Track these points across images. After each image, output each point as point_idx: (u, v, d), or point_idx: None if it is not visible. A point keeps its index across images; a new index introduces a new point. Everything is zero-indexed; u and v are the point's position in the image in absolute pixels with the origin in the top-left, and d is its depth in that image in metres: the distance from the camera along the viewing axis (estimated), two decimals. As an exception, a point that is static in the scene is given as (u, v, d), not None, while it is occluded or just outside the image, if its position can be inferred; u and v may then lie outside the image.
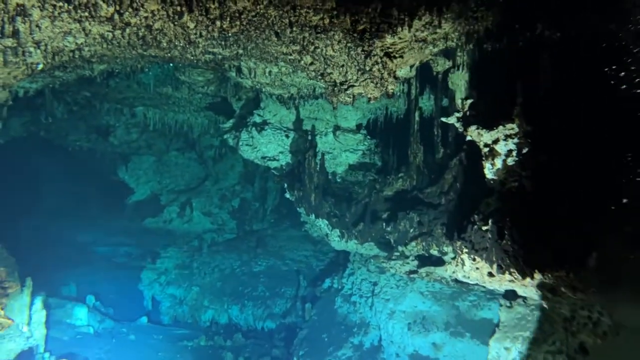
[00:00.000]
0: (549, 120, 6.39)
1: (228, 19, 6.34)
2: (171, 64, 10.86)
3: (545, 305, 6.46)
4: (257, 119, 11.78)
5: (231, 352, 12.27)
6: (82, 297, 13.14)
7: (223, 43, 7.26)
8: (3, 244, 10.11)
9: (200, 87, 11.49)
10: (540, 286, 5.84)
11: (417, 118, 9.80)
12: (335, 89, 7.94)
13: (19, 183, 14.83)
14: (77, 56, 7.26)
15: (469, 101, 7.92)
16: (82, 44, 6.83)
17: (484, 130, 7.29)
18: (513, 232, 6.18)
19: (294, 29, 6.60)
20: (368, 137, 12.00)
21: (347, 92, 7.73)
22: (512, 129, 6.88)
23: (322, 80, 7.98)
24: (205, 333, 13.34)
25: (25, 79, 7.23)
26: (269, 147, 11.85)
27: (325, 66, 7.59)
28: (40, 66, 6.50)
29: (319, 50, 7.14)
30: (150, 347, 11.94)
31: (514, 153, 6.84)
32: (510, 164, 6.84)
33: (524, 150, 6.68)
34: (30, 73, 6.82)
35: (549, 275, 5.54)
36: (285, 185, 11.98)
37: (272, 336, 13.21)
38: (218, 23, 6.41)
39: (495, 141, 7.10)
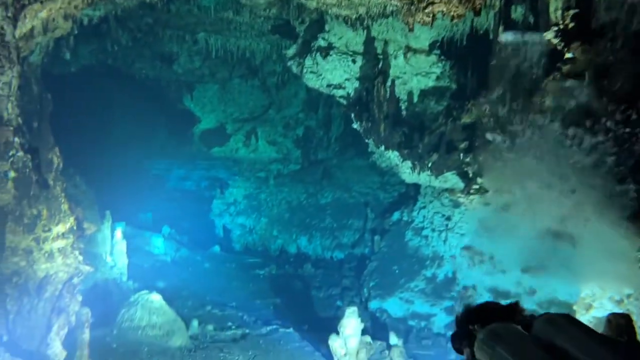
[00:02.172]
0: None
1: None
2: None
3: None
4: (322, 43, 11.02)
5: (301, 282, 12.49)
6: (158, 225, 13.65)
7: (288, -41, 6.51)
8: (81, 176, 10.45)
9: (261, 10, 10.80)
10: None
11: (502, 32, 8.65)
12: (412, 7, 7.03)
13: (93, 111, 15.17)
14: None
15: (572, 12, 6.76)
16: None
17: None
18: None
19: (369, -63, 5.71)
20: (442, 57, 10.97)
21: (426, 10, 6.82)
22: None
23: (398, -2, 7.09)
24: (275, 262, 13.61)
25: (86, 8, 6.92)
26: (334, 74, 11.14)
27: (402, -19, 6.69)
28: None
29: (395, -38, 6.23)
30: (224, 275, 12.36)
31: (629, 76, 5.82)
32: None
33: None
34: (90, 2, 6.47)
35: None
36: (352, 115, 11.37)
37: (341, 266, 13.25)
38: None
39: (605, 62, 6.08)
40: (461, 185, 10.08)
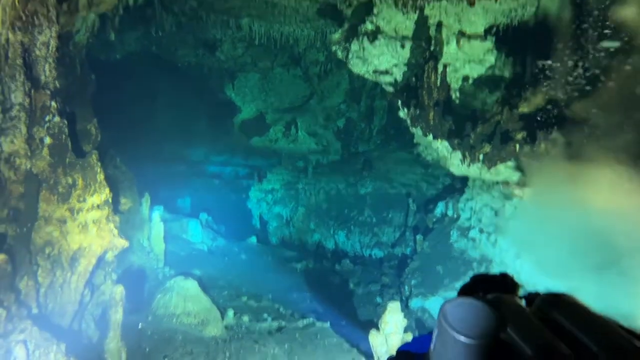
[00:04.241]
0: None
1: None
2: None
3: None
4: (370, 27, 10.53)
5: (339, 277, 12.03)
6: (195, 212, 13.49)
7: None
8: (122, 158, 10.34)
9: (308, -8, 10.45)
10: None
11: (570, 14, 7.98)
12: (476, -22, 6.47)
13: (136, 98, 15.22)
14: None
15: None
16: None
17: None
18: None
19: None
20: (498, 45, 10.31)
21: (492, -20, 6.25)
22: None
23: (459, -31, 6.53)
24: (312, 256, 13.20)
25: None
26: (381, 59, 10.65)
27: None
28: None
29: None
30: (261, 267, 12.02)
31: None
32: None
33: None
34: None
35: None
36: (399, 102, 10.83)
37: (381, 264, 12.71)
38: None
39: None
40: (514, 178, 9.43)
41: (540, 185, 8.58)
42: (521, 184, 9.00)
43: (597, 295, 7.76)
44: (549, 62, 8.66)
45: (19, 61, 4.37)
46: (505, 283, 1.42)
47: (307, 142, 16.10)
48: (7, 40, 4.29)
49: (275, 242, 15.05)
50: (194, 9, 11.79)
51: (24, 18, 4.42)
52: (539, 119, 8.78)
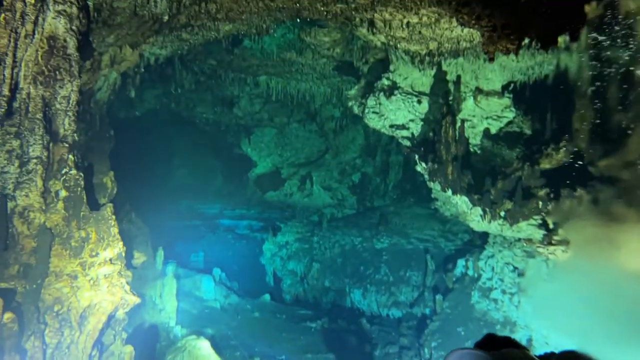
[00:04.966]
0: None
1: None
2: (296, 28, 10.19)
3: None
4: (386, 83, 10.64)
5: (356, 337, 11.52)
6: (209, 267, 13.24)
7: (361, -15, 6.22)
8: (137, 213, 10.26)
9: (325, 50, 10.65)
10: None
11: (590, 72, 7.93)
12: (494, 34, 6.49)
13: (154, 154, 15.39)
14: (202, 11, 6.71)
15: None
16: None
17: None
18: None
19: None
20: (516, 101, 10.29)
21: (512, 36, 6.26)
22: None
23: (478, 26, 6.58)
24: (327, 315, 12.73)
25: (152, 37, 6.83)
26: (398, 114, 10.66)
27: (484, 7, 6.20)
28: (166, 17, 5.96)
29: (477, -14, 5.78)
30: (274, 326, 11.59)
31: None
32: None
33: None
34: (157, 29, 6.36)
35: None
36: (417, 156, 10.74)
37: (399, 324, 12.17)
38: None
39: None
40: (537, 236, 9.10)
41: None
42: (545, 241, 8.64)
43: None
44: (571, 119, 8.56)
45: (39, 115, 4.40)
46: (511, 344, 1.46)
47: (322, 197, 15.99)
48: (29, 94, 4.33)
49: (289, 299, 14.62)
50: (213, 67, 12.09)
51: (46, 73, 4.48)
52: (561, 175, 8.57)
